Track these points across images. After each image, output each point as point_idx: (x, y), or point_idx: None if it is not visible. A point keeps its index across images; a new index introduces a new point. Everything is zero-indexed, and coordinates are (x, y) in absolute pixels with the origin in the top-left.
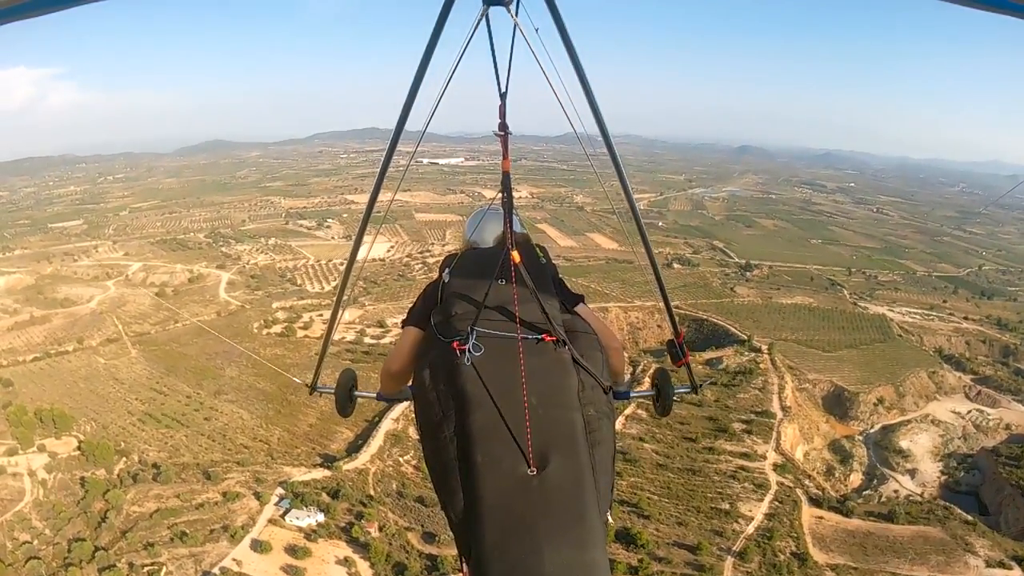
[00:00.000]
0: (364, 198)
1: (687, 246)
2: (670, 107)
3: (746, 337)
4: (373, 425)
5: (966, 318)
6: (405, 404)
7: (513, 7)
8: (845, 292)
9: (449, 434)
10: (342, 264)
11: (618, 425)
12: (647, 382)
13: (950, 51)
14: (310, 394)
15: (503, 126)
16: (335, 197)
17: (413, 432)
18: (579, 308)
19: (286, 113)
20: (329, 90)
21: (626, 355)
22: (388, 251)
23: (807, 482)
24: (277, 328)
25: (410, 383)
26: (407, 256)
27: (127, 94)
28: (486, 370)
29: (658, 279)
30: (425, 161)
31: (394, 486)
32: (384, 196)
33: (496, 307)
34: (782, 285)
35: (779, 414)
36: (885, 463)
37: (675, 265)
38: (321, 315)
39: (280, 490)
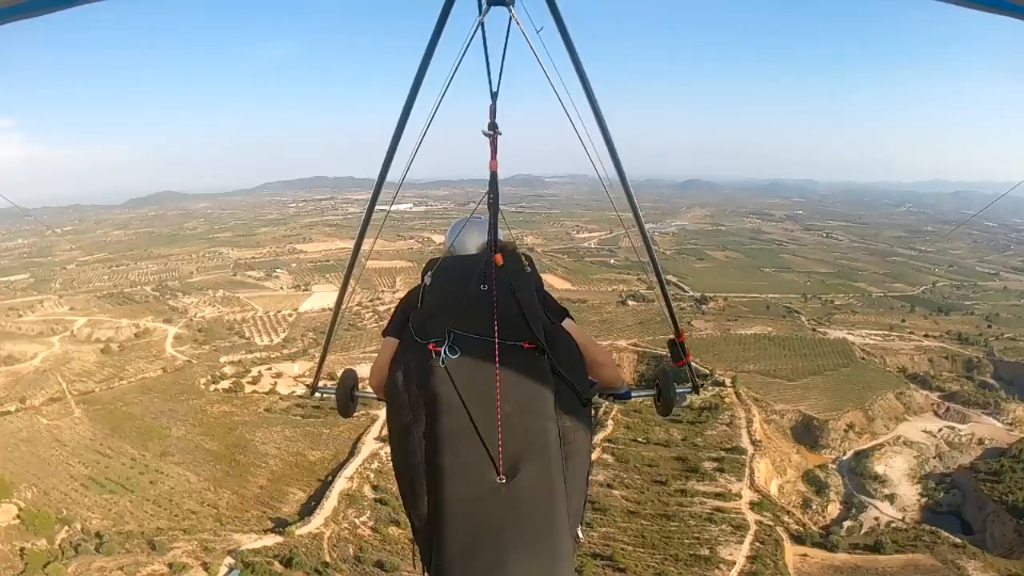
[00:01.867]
0: (313, 247)
1: (640, 282)
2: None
3: (708, 371)
4: (326, 485)
5: (926, 335)
6: (360, 459)
7: (514, 7)
8: (803, 319)
9: (418, 437)
10: (291, 315)
11: None
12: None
13: (888, 75)
14: (311, 395)
15: (492, 126)
16: (283, 247)
17: (369, 491)
18: (565, 323)
19: (234, 164)
20: (276, 140)
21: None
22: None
23: (786, 518)
24: (225, 384)
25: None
26: (357, 304)
27: (76, 147)
28: (461, 373)
29: (658, 277)
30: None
31: (351, 550)
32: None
33: (477, 312)
34: (739, 316)
35: (750, 449)
36: (862, 490)
37: (630, 302)
38: (270, 368)
39: (229, 559)
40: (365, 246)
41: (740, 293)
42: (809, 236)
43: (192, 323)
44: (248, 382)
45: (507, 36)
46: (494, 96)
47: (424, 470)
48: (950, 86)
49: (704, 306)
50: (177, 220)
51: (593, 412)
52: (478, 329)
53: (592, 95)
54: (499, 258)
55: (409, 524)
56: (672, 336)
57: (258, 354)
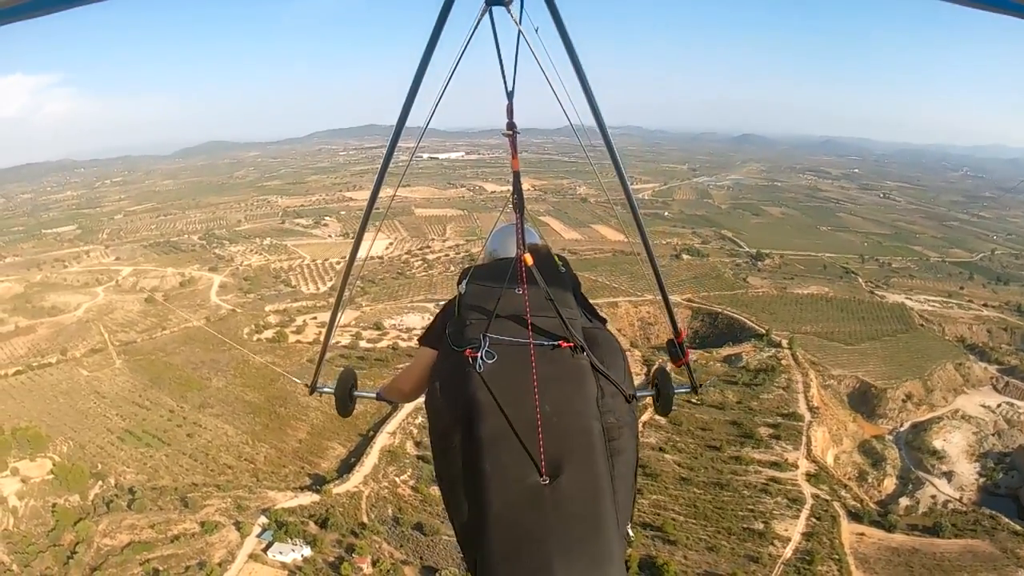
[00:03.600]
0: (363, 195)
1: (695, 236)
2: (669, 98)
3: (764, 331)
4: (367, 440)
5: (985, 305)
6: (404, 413)
7: (514, 7)
8: (860, 280)
9: (458, 443)
10: (339, 263)
11: None
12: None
13: (949, 39)
14: (310, 394)
15: (511, 125)
16: (333, 195)
17: (411, 447)
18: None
19: (285, 112)
20: (328, 88)
21: (638, 353)
22: (387, 248)
23: (844, 493)
24: (269, 333)
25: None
26: (407, 253)
27: (125, 100)
28: (498, 377)
29: (657, 277)
30: (425, 156)
31: (389, 511)
32: (385, 192)
33: (511, 315)
34: (795, 274)
35: (807, 416)
36: (919, 465)
37: (684, 256)
38: (315, 317)
39: (263, 519)
40: (367, 241)
41: (796, 251)
42: (866, 196)
43: (238, 272)
44: (292, 331)
45: (518, 36)
46: (510, 95)
47: (464, 476)
48: (1012, 54)
49: (760, 263)
50: (227, 169)
51: (647, 371)
52: (514, 332)
53: (591, 94)
54: (528, 258)
55: (452, 530)
56: (672, 336)
57: (304, 303)
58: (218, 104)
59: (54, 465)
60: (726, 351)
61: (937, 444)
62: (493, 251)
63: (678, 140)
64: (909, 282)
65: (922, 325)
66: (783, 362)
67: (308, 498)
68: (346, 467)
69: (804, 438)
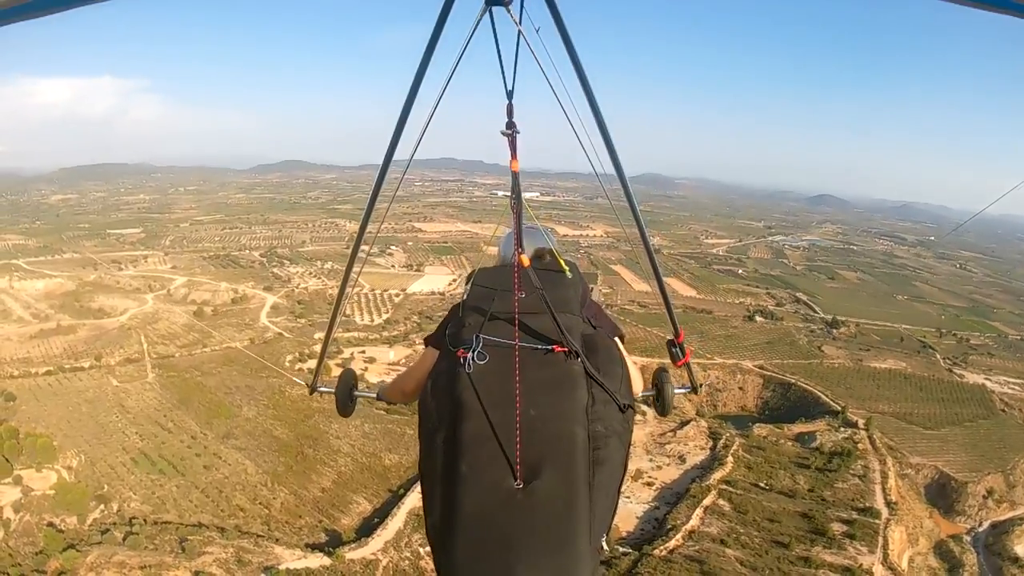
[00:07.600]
0: (432, 227)
1: (769, 297)
2: (746, 154)
3: (840, 408)
4: (396, 498)
5: None
6: None
7: (514, 7)
8: (938, 356)
9: (440, 442)
10: (398, 295)
11: (695, 520)
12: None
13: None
14: (310, 394)
15: (511, 125)
16: (403, 224)
17: None
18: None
19: (366, 139)
20: (410, 118)
21: (704, 423)
22: (449, 285)
23: None
24: (313, 363)
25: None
26: None
27: (208, 111)
28: (488, 379)
29: (657, 276)
30: (500, 194)
31: None
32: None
33: (508, 317)
34: (872, 346)
35: (884, 512)
36: (999, 574)
37: (757, 318)
38: (363, 351)
39: None
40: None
41: (872, 320)
42: (942, 265)
43: (293, 294)
44: (337, 364)
45: (518, 35)
46: (510, 95)
47: (442, 476)
48: None
49: (835, 331)
50: (301, 189)
51: (712, 445)
52: (508, 334)
53: (591, 94)
54: (525, 260)
55: (425, 532)
56: (671, 336)
57: (355, 334)
58: (299, 125)
59: (58, 480)
60: (798, 428)
61: (1019, 550)
62: (504, 255)
63: (753, 197)
64: (988, 361)
65: (1003, 410)
66: (859, 446)
67: (317, 560)
68: (368, 527)
69: (881, 539)
